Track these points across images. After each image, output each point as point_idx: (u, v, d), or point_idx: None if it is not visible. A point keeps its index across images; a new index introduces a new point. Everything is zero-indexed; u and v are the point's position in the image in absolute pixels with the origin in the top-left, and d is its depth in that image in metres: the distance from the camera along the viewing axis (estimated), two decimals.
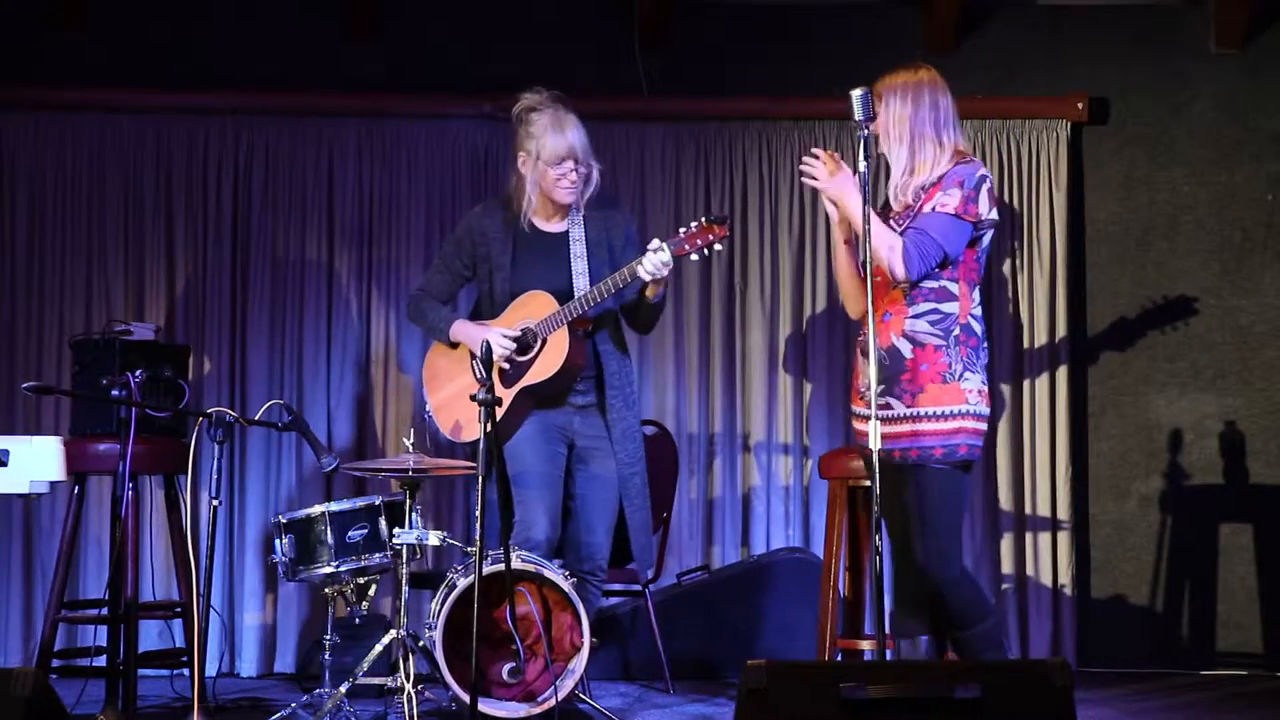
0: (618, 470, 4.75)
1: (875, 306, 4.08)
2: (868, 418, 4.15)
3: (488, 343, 4.31)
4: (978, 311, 4.19)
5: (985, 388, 4.16)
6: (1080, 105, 6.35)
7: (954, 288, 4.13)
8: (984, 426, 4.15)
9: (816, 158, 4.15)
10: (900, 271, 4.06)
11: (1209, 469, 6.37)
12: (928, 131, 4.15)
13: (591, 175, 4.71)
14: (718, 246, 4.57)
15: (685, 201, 6.37)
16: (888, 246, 4.06)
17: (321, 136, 6.32)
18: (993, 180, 4.19)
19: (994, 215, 4.14)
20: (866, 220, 3.93)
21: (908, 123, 4.15)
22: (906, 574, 4.23)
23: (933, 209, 4.10)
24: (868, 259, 3.95)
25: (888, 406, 4.10)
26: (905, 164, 4.17)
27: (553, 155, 4.64)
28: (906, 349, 4.11)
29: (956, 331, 4.11)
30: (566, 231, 4.76)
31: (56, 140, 6.26)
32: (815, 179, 4.15)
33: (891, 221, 4.20)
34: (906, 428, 4.09)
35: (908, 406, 4.09)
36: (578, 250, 4.73)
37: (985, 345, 4.21)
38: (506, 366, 4.68)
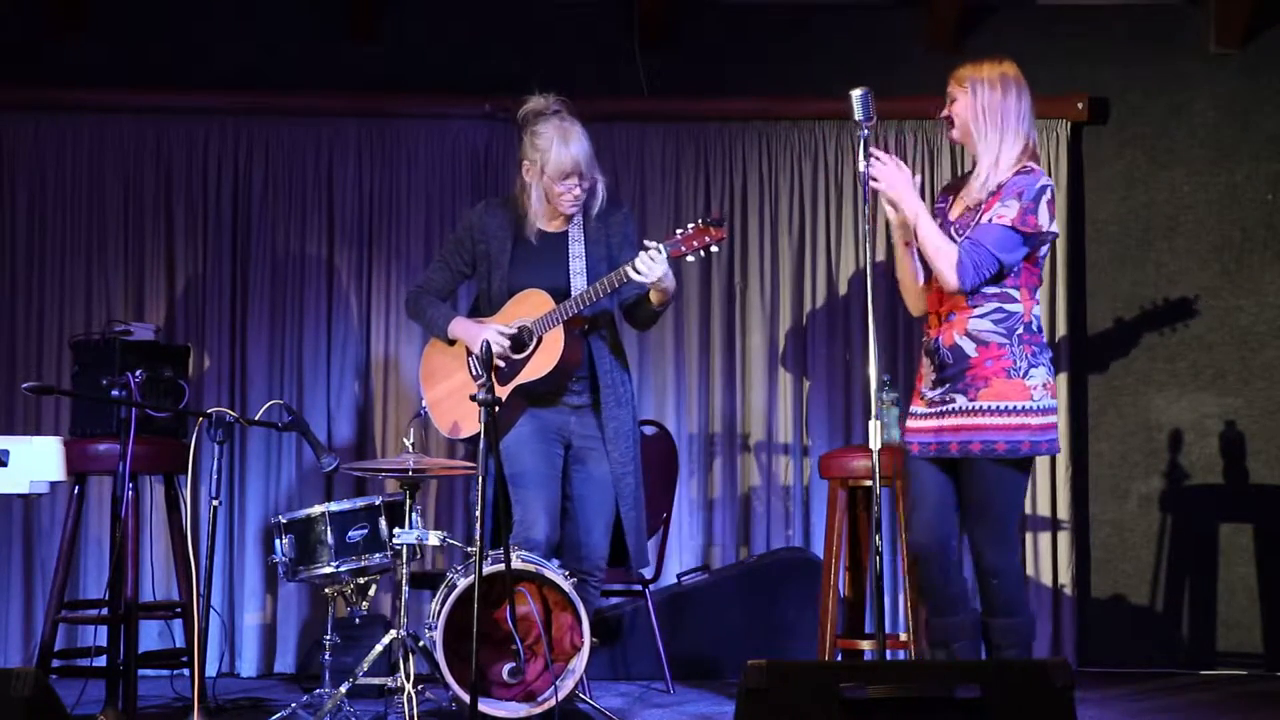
0: (610, 470, 4.75)
1: (940, 307, 4.17)
2: (926, 416, 4.18)
3: (487, 343, 4.31)
4: (1039, 311, 4.23)
5: (1052, 380, 4.20)
6: (1080, 105, 6.35)
7: (1015, 293, 4.16)
8: (1052, 419, 4.16)
9: (878, 158, 4.13)
10: (954, 282, 4.10)
11: (1209, 469, 6.37)
12: (1012, 123, 4.15)
13: (596, 187, 4.71)
14: (714, 248, 4.58)
15: (685, 201, 6.38)
16: (943, 256, 4.09)
17: (321, 136, 6.32)
18: (1054, 189, 4.19)
19: (1054, 228, 4.15)
20: (871, 222, 3.95)
21: (998, 111, 4.14)
22: (948, 575, 4.22)
23: (990, 220, 4.11)
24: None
25: (951, 401, 4.15)
26: (995, 153, 4.14)
27: (558, 171, 4.65)
28: (970, 347, 4.15)
29: (1019, 330, 4.15)
30: (566, 232, 4.76)
31: (56, 140, 6.26)
32: (876, 180, 4.13)
33: (952, 228, 4.20)
34: (970, 420, 4.13)
35: (970, 400, 4.13)
36: (576, 250, 4.74)
37: (1047, 345, 4.24)
38: (502, 364, 4.68)
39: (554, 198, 4.70)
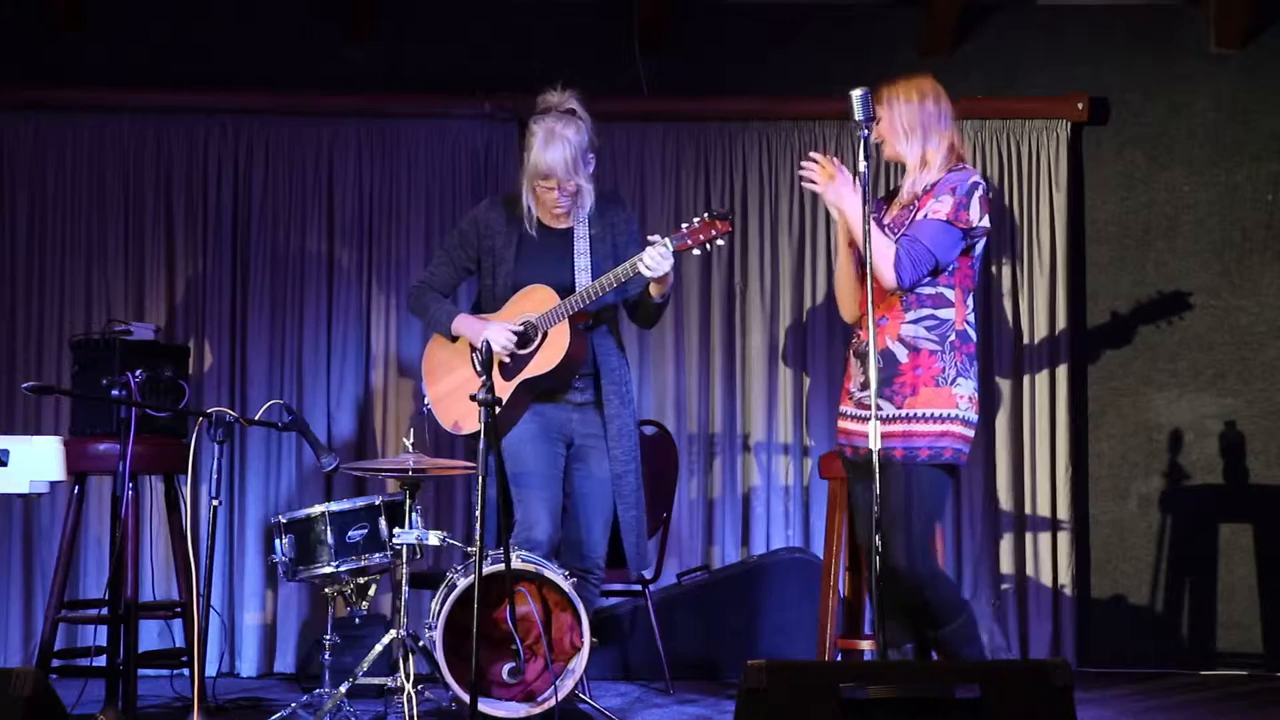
0: (610, 468, 4.75)
1: (874, 311, 4.12)
2: (855, 418, 4.20)
3: (488, 343, 4.31)
4: (971, 318, 4.24)
5: (976, 395, 4.21)
6: (1080, 105, 6.35)
7: (950, 294, 4.18)
8: (972, 433, 4.20)
9: (815, 162, 4.18)
10: (891, 279, 4.11)
11: (1209, 469, 6.36)
12: (931, 124, 4.21)
13: (580, 192, 4.68)
14: (720, 242, 4.59)
15: (685, 201, 6.37)
16: (881, 254, 4.11)
17: (321, 136, 6.32)
18: (986, 187, 4.23)
19: (985, 223, 4.18)
20: (866, 222, 3.97)
21: (916, 116, 4.21)
22: (890, 580, 4.23)
23: (925, 216, 4.15)
24: (869, 263, 3.99)
25: (879, 408, 4.11)
26: (919, 154, 4.22)
27: (534, 172, 4.66)
28: (901, 353, 4.16)
29: (952, 337, 4.17)
30: (571, 229, 4.76)
31: (56, 140, 6.26)
32: (814, 183, 4.18)
33: (886, 228, 4.25)
34: (897, 428, 4.13)
35: (898, 407, 4.14)
36: (581, 246, 4.74)
37: (976, 353, 4.26)
38: (507, 360, 4.68)
39: (539, 199, 4.71)
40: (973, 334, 4.22)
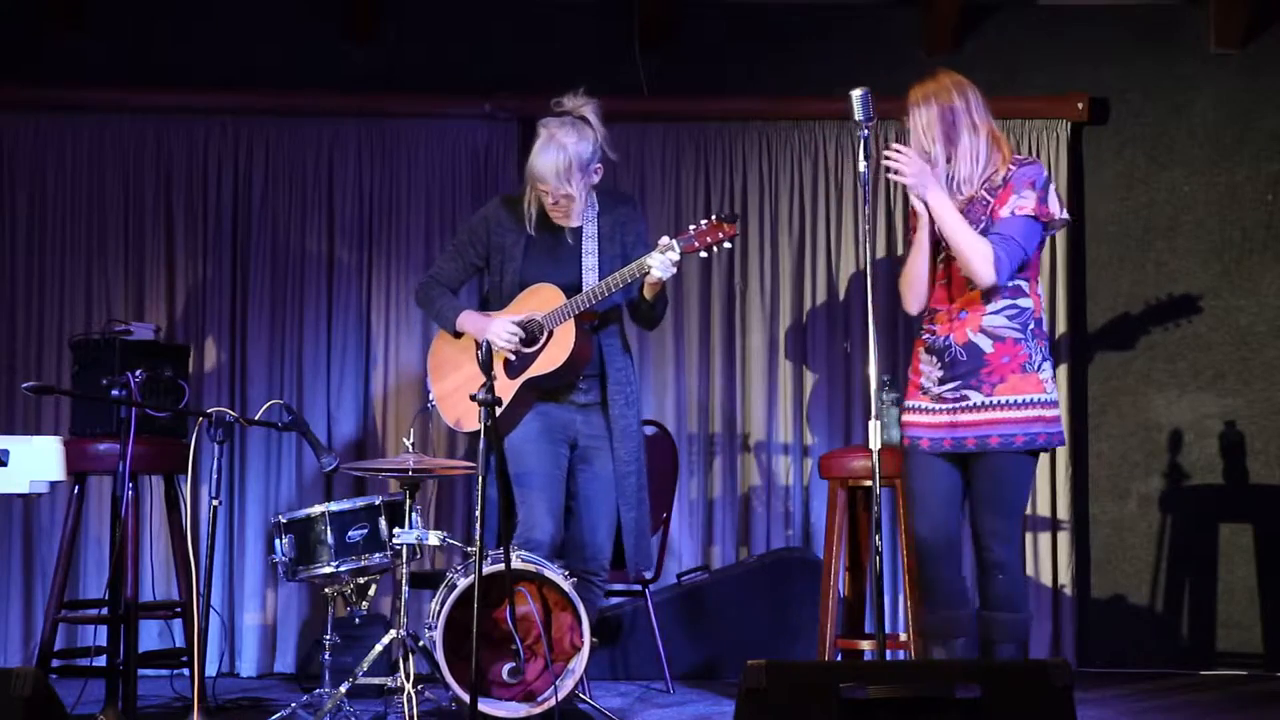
0: (614, 468, 4.74)
1: (949, 306, 4.23)
2: (932, 410, 4.20)
3: (488, 343, 4.30)
4: (1043, 305, 4.32)
5: (1054, 375, 4.31)
6: (1080, 105, 6.35)
7: (1026, 286, 4.26)
8: (1058, 412, 4.26)
9: (900, 153, 4.18)
10: (991, 277, 4.17)
11: (1209, 469, 6.37)
12: (962, 122, 4.24)
13: (574, 199, 4.67)
14: (727, 245, 4.58)
15: (685, 201, 6.38)
16: (977, 252, 4.15)
17: (321, 136, 6.32)
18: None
19: (1065, 215, 4.29)
20: (869, 221, 3.99)
21: (937, 125, 4.24)
22: (948, 571, 4.25)
23: (1010, 212, 4.20)
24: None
25: (964, 398, 4.20)
26: (972, 151, 4.25)
27: (529, 174, 4.66)
28: (986, 344, 4.21)
29: (1033, 325, 4.24)
30: (580, 228, 4.75)
31: (56, 140, 6.26)
32: (902, 174, 4.18)
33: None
34: (987, 415, 4.18)
35: (987, 395, 4.18)
36: (589, 246, 4.73)
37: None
38: (512, 357, 4.68)
39: (539, 198, 4.70)
40: (1045, 320, 4.34)
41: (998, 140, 4.30)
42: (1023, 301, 4.23)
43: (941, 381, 4.25)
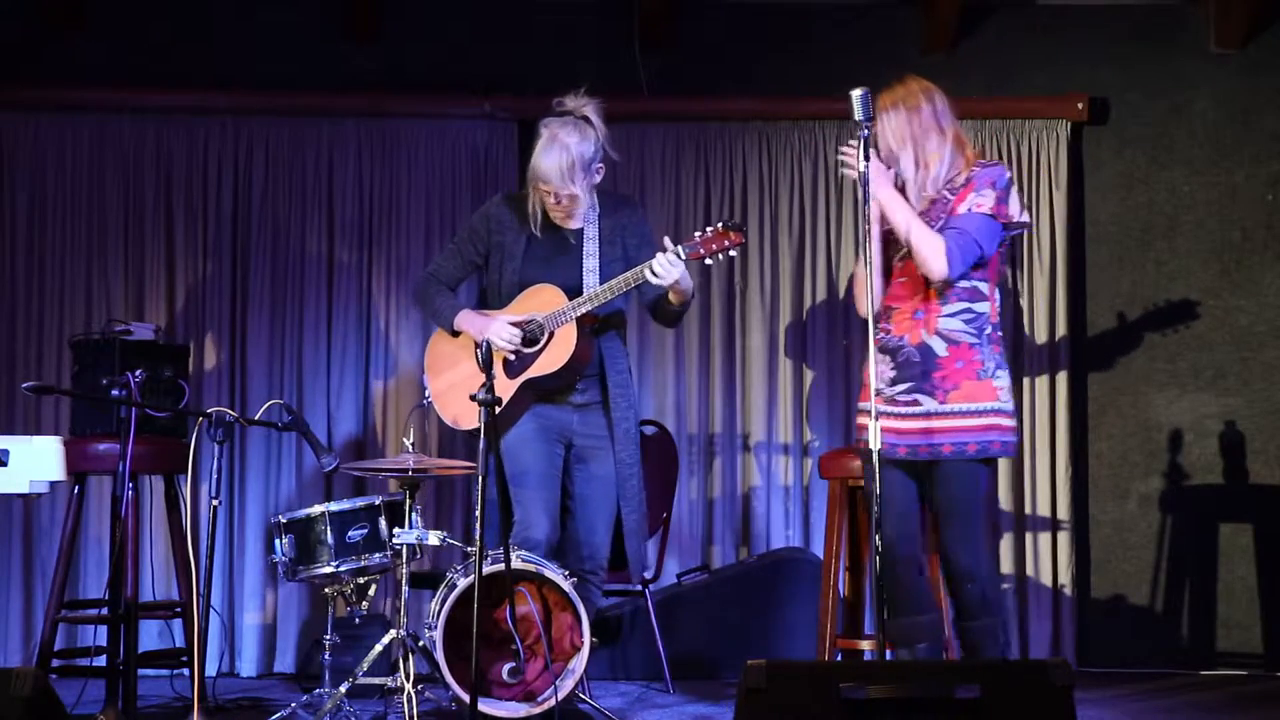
0: (616, 470, 4.74)
1: (906, 305, 4.20)
2: (886, 415, 4.18)
3: (488, 343, 4.30)
4: (999, 311, 4.29)
5: (1012, 384, 4.27)
6: (1080, 105, 6.35)
7: (984, 288, 4.23)
8: (1014, 423, 4.24)
9: (853, 149, 4.18)
10: (943, 269, 4.15)
11: (1209, 469, 6.37)
12: (928, 128, 4.23)
13: (577, 199, 4.67)
14: (733, 253, 4.57)
15: (685, 201, 6.38)
16: (930, 244, 4.13)
17: (321, 136, 6.32)
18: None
19: (1025, 217, 4.27)
20: (867, 222, 3.99)
21: (905, 129, 4.24)
22: (908, 577, 4.25)
23: (968, 210, 4.19)
24: (871, 257, 4.00)
25: (916, 403, 4.17)
26: (911, 162, 4.25)
27: (532, 174, 4.65)
28: (940, 347, 4.18)
29: (988, 330, 4.22)
30: (580, 229, 4.75)
31: (56, 140, 6.26)
32: (855, 170, 4.17)
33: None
34: (940, 423, 4.16)
35: (940, 403, 4.16)
36: (590, 248, 4.73)
37: (1006, 346, 4.33)
38: (512, 357, 4.67)
39: (541, 199, 4.70)
40: (1001, 327, 4.29)
41: (962, 144, 4.30)
42: (979, 306, 4.21)
43: (894, 382, 4.22)
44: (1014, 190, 4.24)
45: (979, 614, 4.18)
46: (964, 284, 4.20)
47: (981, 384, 4.16)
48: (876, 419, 3.94)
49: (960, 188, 4.22)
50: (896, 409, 4.20)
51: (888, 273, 4.29)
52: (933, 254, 4.13)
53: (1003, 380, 4.21)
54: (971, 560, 4.16)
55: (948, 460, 4.15)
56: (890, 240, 4.29)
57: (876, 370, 4.25)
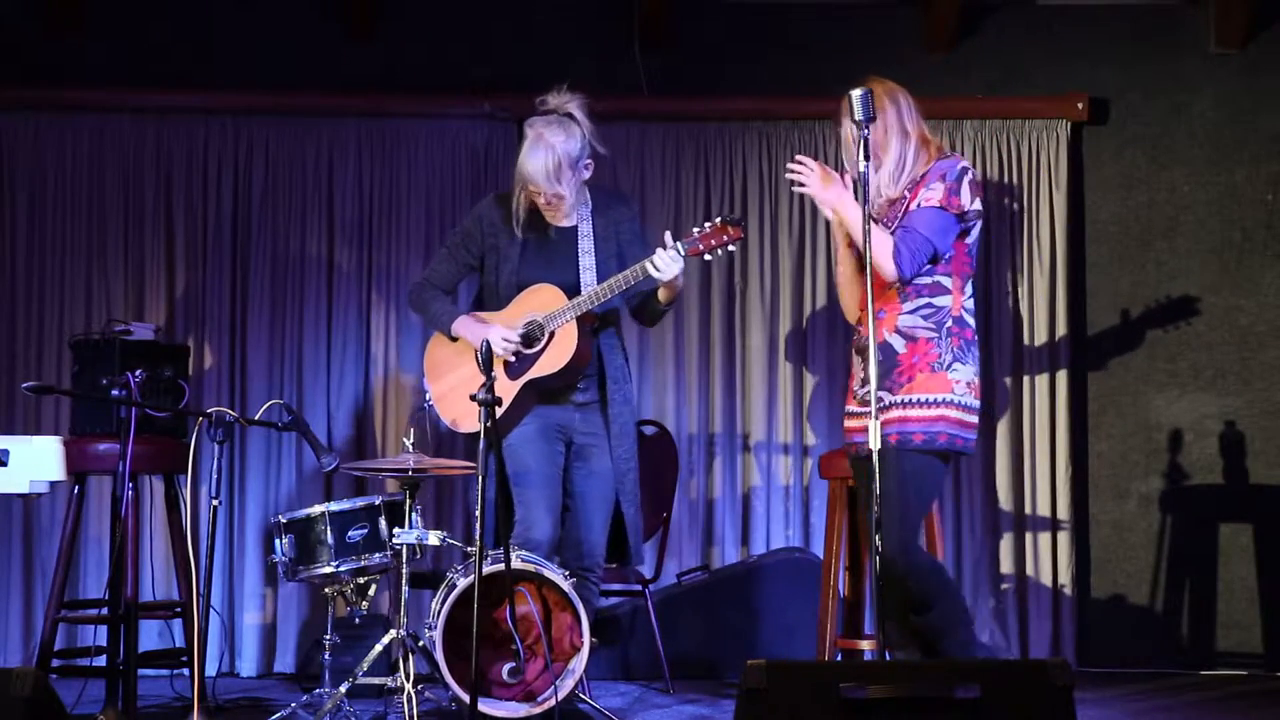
0: (614, 467, 4.74)
1: (871, 305, 4.12)
2: (857, 415, 4.19)
3: (487, 343, 4.30)
4: (970, 304, 4.24)
5: (977, 380, 4.21)
6: (1080, 105, 6.35)
7: (947, 282, 4.20)
8: (972, 419, 4.18)
9: (803, 164, 4.20)
10: (892, 271, 4.13)
11: (1209, 469, 6.37)
12: (893, 127, 4.21)
13: (565, 198, 4.65)
14: (731, 248, 4.56)
15: (685, 201, 6.38)
16: (879, 247, 4.12)
17: (321, 136, 6.32)
18: (976, 173, 4.27)
19: (977, 206, 4.20)
20: (867, 221, 3.98)
21: (883, 126, 4.20)
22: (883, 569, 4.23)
23: (918, 205, 4.17)
24: (869, 262, 3.99)
25: (879, 400, 4.12)
26: (897, 155, 4.23)
27: (519, 176, 4.65)
28: (899, 344, 4.18)
29: (949, 324, 4.18)
30: (575, 227, 4.75)
31: (56, 140, 6.26)
32: (806, 186, 4.20)
33: (880, 223, 4.26)
34: (893, 414, 4.14)
35: (894, 395, 4.14)
36: (585, 245, 4.72)
37: (977, 339, 4.26)
38: (512, 359, 4.67)
39: (530, 198, 4.70)
40: (970, 320, 4.22)
41: (927, 143, 4.27)
42: (940, 300, 4.17)
43: (864, 383, 4.20)
44: (967, 180, 4.17)
45: (920, 608, 4.12)
46: (924, 280, 4.17)
47: (935, 376, 4.13)
48: (877, 418, 3.93)
49: (915, 183, 4.21)
50: (865, 408, 4.18)
51: (868, 279, 4.27)
52: (881, 255, 4.11)
53: (960, 373, 4.14)
54: (902, 555, 4.07)
55: (890, 449, 4.06)
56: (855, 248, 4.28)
57: (854, 372, 4.30)
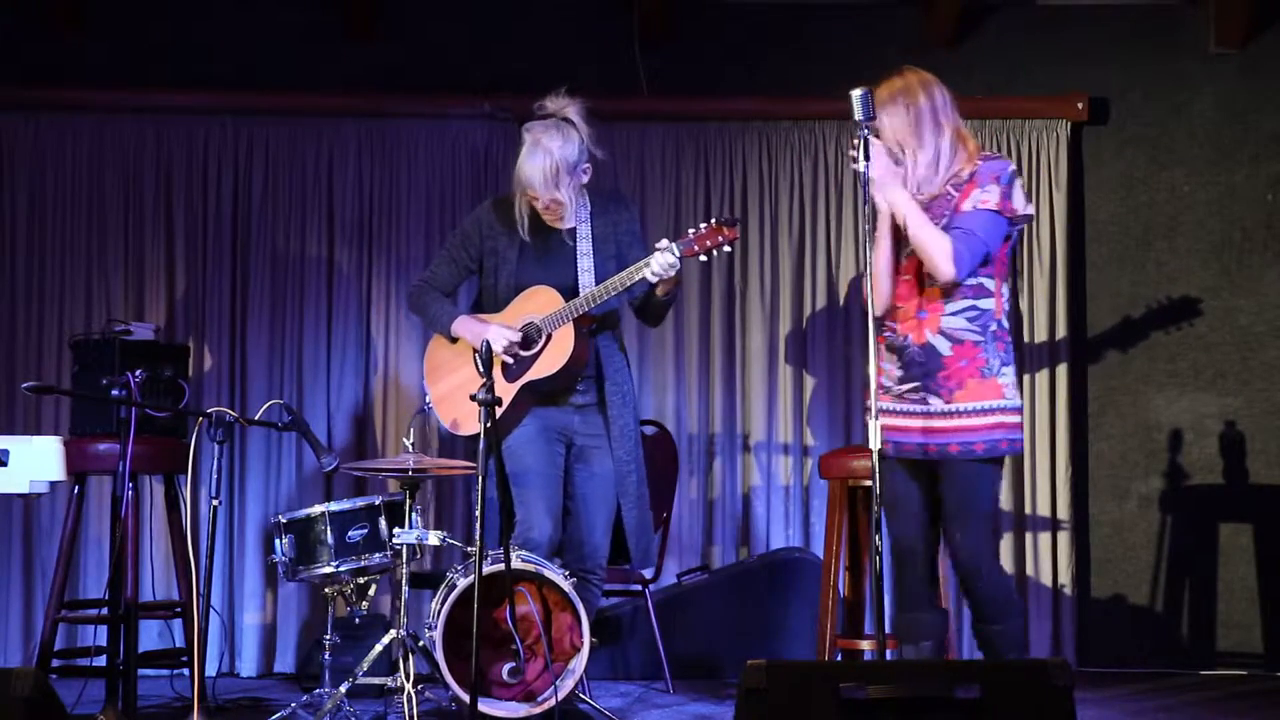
0: (614, 468, 4.74)
1: (910, 304, 4.19)
2: (893, 412, 4.17)
3: (487, 343, 4.30)
4: (1008, 307, 4.26)
5: (1016, 380, 4.26)
6: (1080, 105, 6.35)
7: (989, 284, 4.19)
8: (1020, 419, 4.21)
9: (875, 143, 4.14)
10: (950, 272, 4.11)
11: (1209, 469, 6.37)
12: (926, 119, 4.18)
13: (563, 203, 4.65)
14: (726, 248, 4.56)
15: (685, 201, 6.38)
16: (937, 247, 4.10)
17: (321, 136, 6.32)
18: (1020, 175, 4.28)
19: (1030, 210, 4.23)
20: (872, 223, 3.98)
21: (907, 127, 4.19)
22: (914, 575, 4.24)
23: (973, 207, 4.15)
24: (868, 256, 3.99)
25: (924, 402, 4.15)
26: (934, 149, 4.20)
27: (517, 181, 4.65)
28: (944, 346, 4.16)
29: (993, 327, 4.18)
30: (574, 229, 4.75)
31: (56, 140, 6.26)
32: (871, 165, 4.12)
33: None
34: (946, 423, 4.14)
35: (946, 403, 4.14)
36: (584, 248, 4.72)
37: (1013, 340, 4.30)
38: (510, 361, 4.67)
39: (529, 202, 4.70)
40: (1008, 323, 4.25)
41: (964, 138, 4.25)
42: (984, 303, 4.17)
43: (901, 381, 4.20)
44: (1018, 183, 4.19)
45: (994, 617, 4.16)
46: (969, 281, 4.16)
47: (986, 382, 4.14)
48: (877, 418, 3.93)
49: (964, 183, 4.18)
50: (904, 406, 4.19)
51: (895, 270, 4.27)
52: (940, 256, 4.10)
53: (1008, 377, 4.18)
54: (978, 560, 4.15)
55: (954, 460, 4.13)
56: (900, 238, 4.27)
57: (884, 368, 4.25)
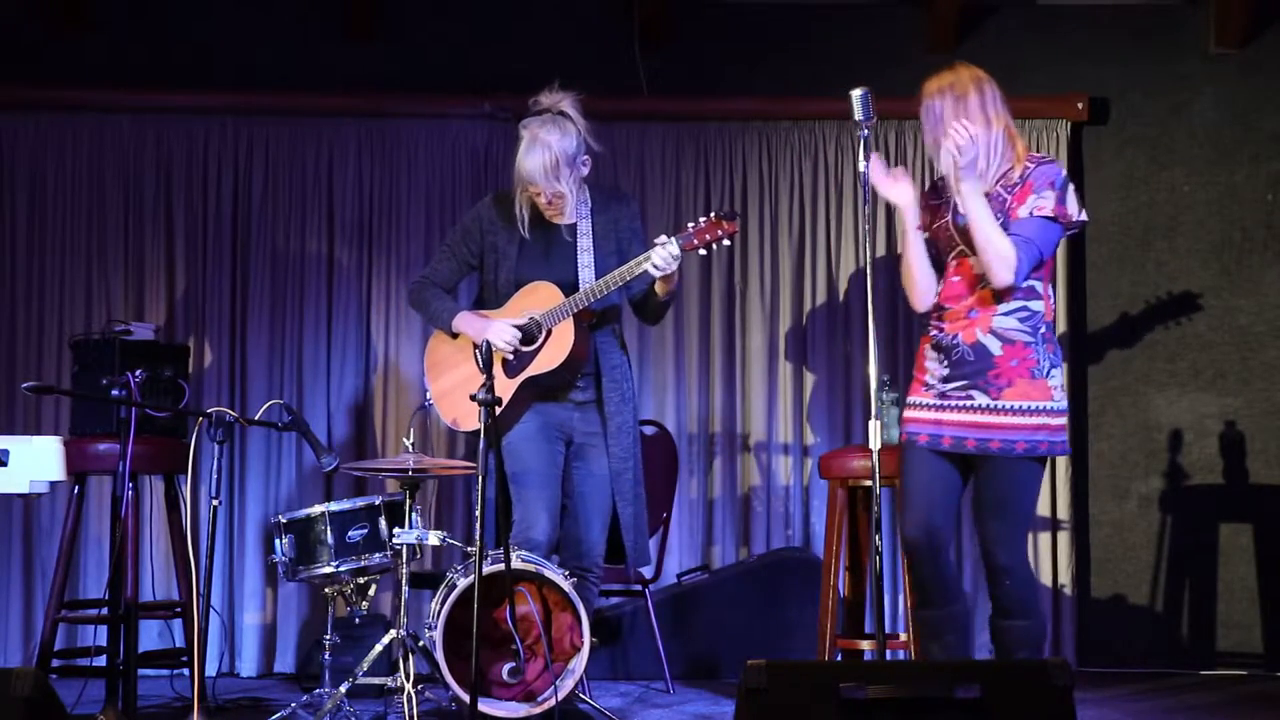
0: (610, 465, 4.74)
1: (961, 304, 4.18)
2: (937, 408, 4.18)
3: (488, 343, 4.30)
4: (1055, 308, 4.28)
5: (1064, 381, 4.29)
6: (1080, 105, 6.35)
7: (1039, 286, 4.21)
8: (1064, 421, 4.22)
9: (967, 129, 4.12)
10: (1009, 280, 4.13)
11: (1209, 469, 6.37)
12: (975, 115, 4.18)
13: (565, 196, 4.65)
14: (726, 242, 4.56)
15: (685, 201, 6.38)
16: (1001, 255, 4.10)
17: (321, 136, 6.32)
18: None
19: (1084, 216, 4.24)
20: (870, 223, 3.97)
21: (977, 110, 4.19)
22: (936, 568, 4.23)
23: (1029, 213, 4.15)
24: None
25: (970, 398, 4.16)
26: (985, 144, 4.18)
27: (517, 177, 4.66)
28: (995, 346, 4.17)
29: (1043, 329, 4.20)
30: (574, 224, 4.75)
31: (56, 140, 6.26)
32: (962, 153, 4.11)
33: (960, 219, 4.21)
34: (991, 419, 4.15)
35: (993, 399, 4.15)
36: (584, 243, 4.73)
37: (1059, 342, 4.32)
38: (511, 357, 4.67)
39: (530, 198, 4.70)
40: (1056, 325, 4.26)
41: (1013, 137, 4.24)
42: (1034, 304, 4.18)
43: (946, 379, 4.21)
44: (1071, 188, 4.19)
45: (1015, 613, 4.17)
46: (1021, 284, 4.18)
47: (1036, 383, 4.15)
48: (878, 418, 3.94)
49: (1016, 186, 4.18)
50: (948, 402, 4.19)
51: (940, 270, 4.27)
52: (1002, 264, 4.10)
53: (1056, 379, 4.20)
54: (1008, 557, 4.15)
55: (995, 457, 4.14)
56: (941, 237, 4.26)
57: (929, 366, 4.25)
